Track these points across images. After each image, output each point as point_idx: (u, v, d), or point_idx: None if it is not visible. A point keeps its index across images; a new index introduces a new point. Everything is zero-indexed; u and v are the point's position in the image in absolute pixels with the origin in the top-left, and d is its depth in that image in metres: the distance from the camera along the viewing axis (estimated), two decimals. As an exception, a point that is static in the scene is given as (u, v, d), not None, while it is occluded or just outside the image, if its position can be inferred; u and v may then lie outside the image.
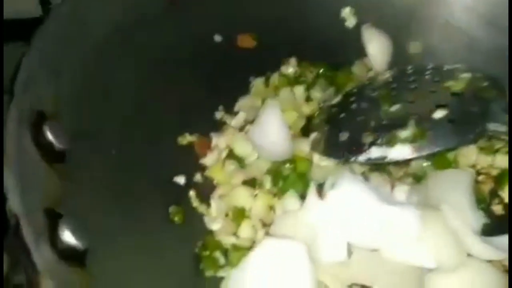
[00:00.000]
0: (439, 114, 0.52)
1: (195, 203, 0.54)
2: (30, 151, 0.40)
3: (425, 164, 0.58)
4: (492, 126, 0.51)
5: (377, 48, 0.68)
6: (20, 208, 0.38)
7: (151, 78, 0.58)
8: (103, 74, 0.51)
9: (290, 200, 0.52)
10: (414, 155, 0.51)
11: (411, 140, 0.51)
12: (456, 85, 0.55)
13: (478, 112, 0.52)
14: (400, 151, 0.51)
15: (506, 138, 0.51)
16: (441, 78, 0.57)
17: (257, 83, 0.66)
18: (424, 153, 0.51)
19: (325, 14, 0.70)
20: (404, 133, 0.51)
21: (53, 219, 0.39)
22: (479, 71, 0.58)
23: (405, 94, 0.56)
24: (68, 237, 0.39)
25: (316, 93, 0.65)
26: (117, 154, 0.49)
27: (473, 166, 0.60)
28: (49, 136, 0.41)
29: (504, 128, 0.51)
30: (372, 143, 0.52)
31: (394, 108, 0.55)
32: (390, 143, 0.52)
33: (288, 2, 0.69)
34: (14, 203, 0.38)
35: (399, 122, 0.53)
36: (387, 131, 0.52)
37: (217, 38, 0.66)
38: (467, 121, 0.51)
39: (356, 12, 0.70)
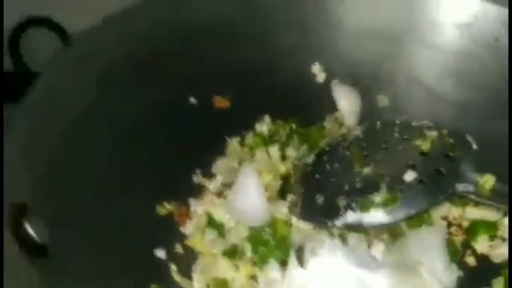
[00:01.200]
0: (409, 176, 0.54)
1: (177, 277, 0.54)
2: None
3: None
4: (461, 187, 0.53)
5: (346, 103, 0.70)
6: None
7: (125, 148, 0.59)
8: (78, 153, 0.52)
9: (272, 269, 0.53)
10: (388, 220, 0.52)
11: (384, 205, 0.52)
12: (423, 144, 0.57)
13: (446, 172, 0.54)
14: (375, 216, 0.53)
15: (475, 198, 0.53)
16: (410, 136, 0.59)
17: (232, 143, 0.67)
18: (398, 218, 0.52)
19: (296, 70, 0.72)
20: (377, 198, 0.53)
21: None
22: (445, 128, 0.61)
23: (376, 154, 0.58)
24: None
25: (291, 151, 0.66)
26: (93, 236, 0.49)
27: (445, 217, 0.62)
28: (30, 231, 0.41)
29: (472, 188, 0.53)
30: (347, 207, 0.54)
31: (366, 169, 0.57)
32: (364, 207, 0.53)
33: (259, 61, 0.71)
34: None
35: (372, 185, 0.54)
36: (361, 195, 0.54)
37: (192, 100, 0.67)
38: (437, 182, 0.54)
39: (325, 68, 0.72)
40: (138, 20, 0.64)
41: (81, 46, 0.62)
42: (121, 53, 0.62)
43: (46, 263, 0.42)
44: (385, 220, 0.52)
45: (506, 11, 0.65)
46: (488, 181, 0.54)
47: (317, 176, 0.60)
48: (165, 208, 0.59)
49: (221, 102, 0.69)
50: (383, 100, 0.72)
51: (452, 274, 0.56)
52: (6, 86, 0.72)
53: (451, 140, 0.58)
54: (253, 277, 0.54)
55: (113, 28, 0.63)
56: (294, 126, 0.69)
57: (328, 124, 0.70)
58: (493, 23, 0.67)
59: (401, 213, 0.52)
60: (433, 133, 0.59)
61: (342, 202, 0.55)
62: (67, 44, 0.83)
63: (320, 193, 0.58)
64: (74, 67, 0.58)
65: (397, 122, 0.63)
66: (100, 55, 0.61)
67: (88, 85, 0.57)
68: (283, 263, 0.53)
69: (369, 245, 0.58)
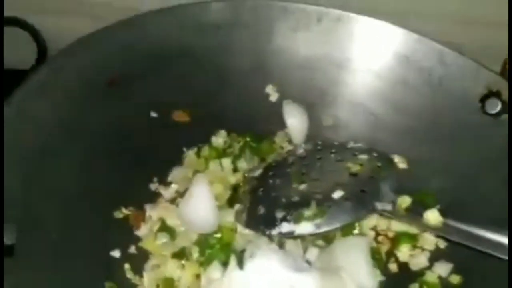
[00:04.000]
0: (337, 194, 0.62)
1: (129, 275, 0.61)
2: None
3: (334, 227, 0.68)
4: (379, 206, 0.62)
5: (295, 121, 0.78)
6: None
7: (90, 159, 0.65)
8: (46, 166, 0.58)
9: (214, 269, 0.61)
10: (316, 231, 0.61)
11: (313, 218, 0.61)
12: (353, 167, 0.65)
13: (369, 191, 0.63)
14: (305, 228, 0.61)
15: (391, 216, 0.62)
16: (343, 158, 0.68)
17: (189, 154, 0.74)
18: (324, 230, 0.61)
19: (251, 90, 0.79)
20: (308, 212, 0.61)
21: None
22: (376, 151, 0.69)
23: (313, 173, 0.66)
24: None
25: (242, 164, 0.74)
26: (58, 238, 0.56)
27: (374, 227, 0.71)
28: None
29: (390, 207, 0.62)
30: (283, 219, 0.62)
31: (302, 186, 0.65)
32: (297, 220, 0.61)
33: (218, 80, 0.78)
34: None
35: (305, 201, 0.63)
36: (295, 209, 0.62)
37: (153, 114, 0.74)
38: (361, 200, 0.62)
39: (278, 89, 0.79)
40: (107, 43, 0.71)
41: (54, 65, 0.68)
42: (90, 73, 0.69)
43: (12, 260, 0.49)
44: (312, 231, 0.61)
45: (440, 47, 0.74)
46: (404, 201, 0.62)
47: (261, 189, 0.68)
48: (122, 212, 0.65)
49: (180, 117, 0.76)
50: (327, 120, 0.80)
51: (375, 278, 0.65)
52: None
53: (378, 163, 0.67)
54: (198, 276, 0.62)
55: (85, 49, 0.69)
56: (248, 139, 0.76)
57: (278, 139, 0.78)
58: (429, 57, 0.75)
59: (327, 226, 0.61)
60: (364, 157, 0.68)
61: (279, 214, 0.63)
62: (41, 54, 0.90)
63: (262, 205, 0.66)
64: (46, 85, 0.64)
65: (335, 143, 0.72)
66: (71, 75, 0.67)
67: (58, 102, 0.64)
68: (225, 264, 0.60)
69: (305, 250, 0.66)
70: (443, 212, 0.60)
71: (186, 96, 0.76)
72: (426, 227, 0.60)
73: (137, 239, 0.66)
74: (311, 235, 0.62)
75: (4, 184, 0.52)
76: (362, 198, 0.62)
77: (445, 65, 0.73)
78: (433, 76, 0.75)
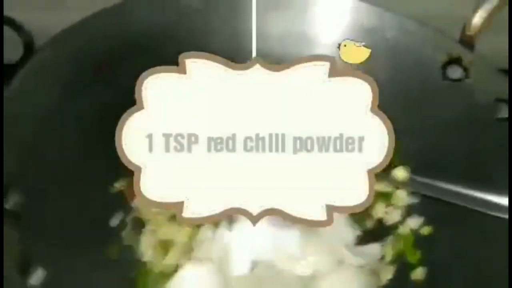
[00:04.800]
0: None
1: (128, 241, 0.67)
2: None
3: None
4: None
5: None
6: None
7: (87, 139, 0.71)
8: (45, 145, 0.65)
9: (206, 230, 0.67)
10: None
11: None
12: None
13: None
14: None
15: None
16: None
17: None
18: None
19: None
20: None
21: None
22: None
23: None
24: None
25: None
26: (59, 208, 0.62)
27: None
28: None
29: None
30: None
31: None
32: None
33: (197, 44, 0.83)
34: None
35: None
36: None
37: (140, 97, 0.79)
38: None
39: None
40: (92, 31, 0.76)
41: (44, 54, 0.73)
42: (79, 60, 0.74)
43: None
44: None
45: (403, 18, 0.80)
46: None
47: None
48: (116, 187, 0.71)
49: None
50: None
51: (353, 233, 0.71)
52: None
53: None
54: (191, 238, 0.68)
55: (71, 38, 0.75)
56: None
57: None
58: (392, 28, 0.81)
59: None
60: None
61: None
62: (28, 45, 0.94)
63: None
64: (38, 73, 0.70)
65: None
66: (61, 62, 0.72)
67: (51, 89, 0.69)
68: (216, 225, 0.67)
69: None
70: (411, 170, 0.67)
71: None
72: (396, 183, 0.67)
73: (134, 209, 0.71)
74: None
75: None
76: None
77: (408, 35, 0.79)
78: (398, 46, 0.80)
